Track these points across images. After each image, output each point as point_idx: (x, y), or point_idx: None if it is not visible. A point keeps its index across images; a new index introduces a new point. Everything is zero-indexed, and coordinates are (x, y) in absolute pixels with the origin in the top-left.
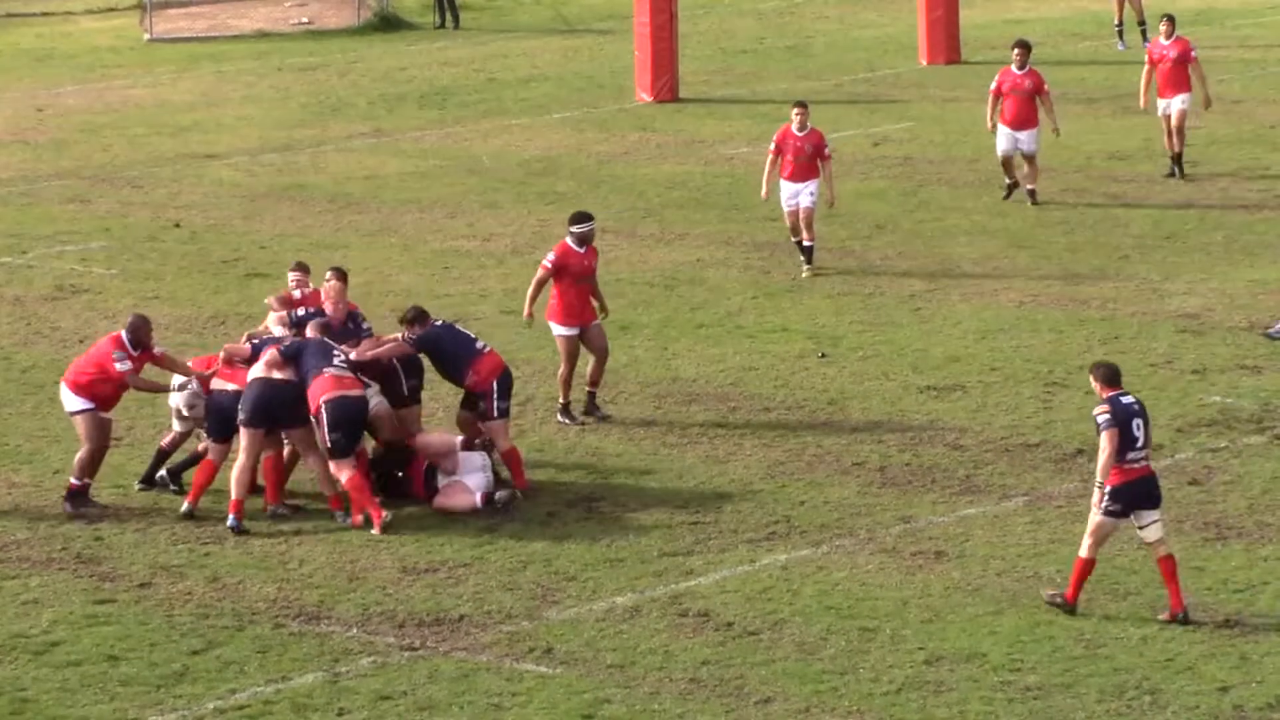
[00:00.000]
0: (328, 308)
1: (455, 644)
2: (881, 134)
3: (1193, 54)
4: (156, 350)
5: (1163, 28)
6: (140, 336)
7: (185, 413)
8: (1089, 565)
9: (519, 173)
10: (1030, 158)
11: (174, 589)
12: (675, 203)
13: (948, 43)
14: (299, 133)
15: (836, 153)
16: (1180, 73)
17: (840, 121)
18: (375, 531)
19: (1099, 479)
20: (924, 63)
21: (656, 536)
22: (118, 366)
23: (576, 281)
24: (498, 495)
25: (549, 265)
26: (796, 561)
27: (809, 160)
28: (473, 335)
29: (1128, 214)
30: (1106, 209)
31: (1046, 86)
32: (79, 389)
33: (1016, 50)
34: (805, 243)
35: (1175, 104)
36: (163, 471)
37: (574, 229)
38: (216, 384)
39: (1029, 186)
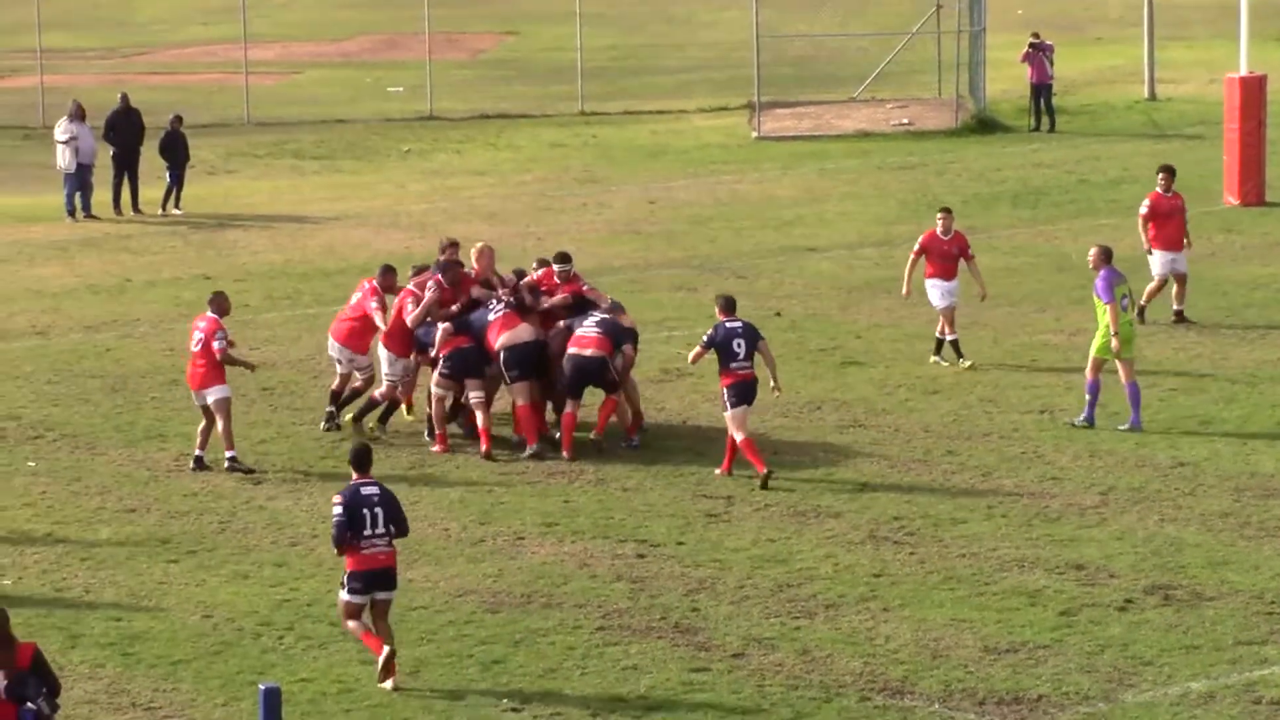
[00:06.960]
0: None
1: None
2: None
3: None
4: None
5: (1161, 180)
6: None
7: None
8: (747, 442)
9: None
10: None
11: (765, 660)
12: (1258, 303)
13: None
14: (896, 228)
15: None
16: (1182, 225)
17: None
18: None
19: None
20: None
21: (1232, 624)
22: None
23: None
24: None
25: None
26: None
27: (953, 261)
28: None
29: None
30: None
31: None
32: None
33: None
34: (950, 336)
35: (1182, 259)
36: (331, 407)
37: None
38: (511, 338)
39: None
